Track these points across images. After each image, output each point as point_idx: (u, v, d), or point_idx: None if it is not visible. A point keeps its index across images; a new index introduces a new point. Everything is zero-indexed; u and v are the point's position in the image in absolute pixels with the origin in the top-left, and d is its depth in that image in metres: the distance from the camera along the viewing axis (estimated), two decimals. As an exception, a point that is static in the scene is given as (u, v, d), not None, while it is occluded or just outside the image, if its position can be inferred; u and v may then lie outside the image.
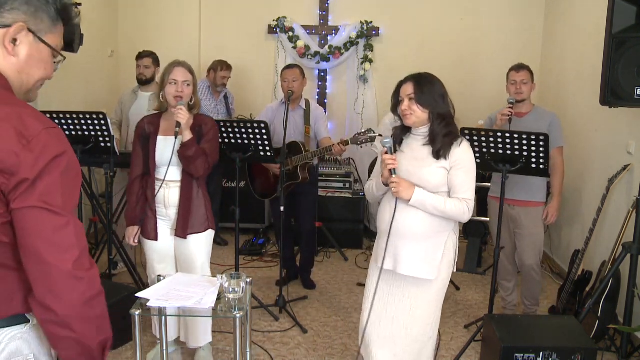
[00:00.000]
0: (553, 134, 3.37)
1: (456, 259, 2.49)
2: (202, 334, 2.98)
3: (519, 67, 3.51)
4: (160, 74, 4.40)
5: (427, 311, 2.44)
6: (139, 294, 2.29)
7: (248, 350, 2.55)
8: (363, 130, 3.64)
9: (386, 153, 2.33)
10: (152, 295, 2.25)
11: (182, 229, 2.83)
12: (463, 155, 2.36)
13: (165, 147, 2.81)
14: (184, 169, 2.81)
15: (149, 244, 2.92)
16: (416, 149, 2.41)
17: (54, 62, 1.29)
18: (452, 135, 2.37)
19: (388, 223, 2.36)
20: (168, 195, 2.84)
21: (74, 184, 1.21)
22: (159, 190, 2.82)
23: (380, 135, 3.49)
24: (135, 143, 2.92)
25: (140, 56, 4.36)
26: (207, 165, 2.80)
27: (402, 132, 2.49)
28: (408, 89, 2.36)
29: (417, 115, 2.36)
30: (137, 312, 2.18)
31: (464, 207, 2.33)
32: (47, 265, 1.15)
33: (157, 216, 2.88)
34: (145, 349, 3.09)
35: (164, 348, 2.62)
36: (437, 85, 2.38)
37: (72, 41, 4.19)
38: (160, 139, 2.84)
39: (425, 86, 2.36)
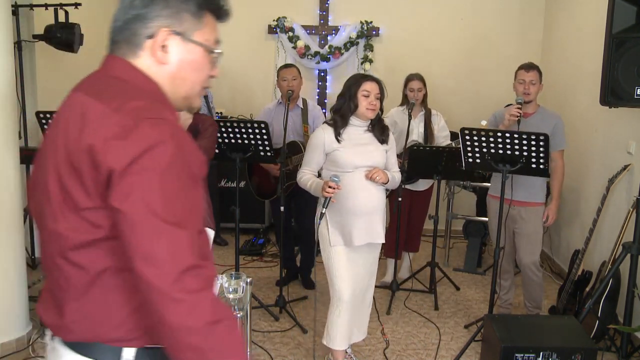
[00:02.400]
0: (556, 136, 3.36)
1: None
2: None
3: (529, 67, 3.40)
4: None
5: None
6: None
7: (248, 350, 2.55)
8: None
9: (329, 187, 2.63)
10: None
11: None
12: (393, 139, 2.98)
13: None
14: None
15: None
16: (358, 136, 2.82)
17: (213, 58, 1.20)
18: (386, 126, 2.94)
19: (366, 202, 2.78)
20: None
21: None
22: None
23: None
24: None
25: None
26: None
27: (343, 124, 2.81)
28: (376, 89, 2.78)
29: (377, 110, 2.82)
30: (137, 312, 2.18)
31: (399, 177, 2.97)
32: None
33: None
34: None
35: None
36: None
37: (72, 41, 4.20)
38: None
39: (383, 87, 2.86)
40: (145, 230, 0.99)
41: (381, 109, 2.86)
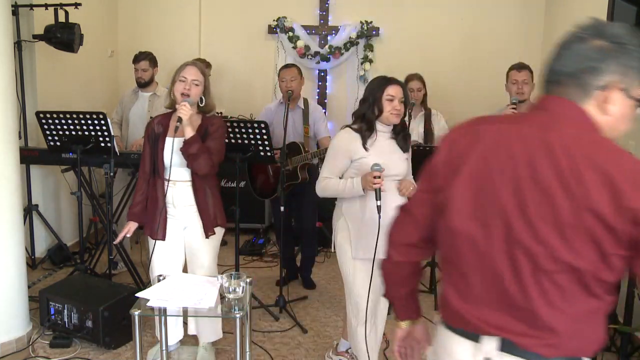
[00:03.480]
0: None
1: None
2: (214, 330, 2.99)
3: (520, 67, 3.46)
4: (158, 73, 4.44)
5: None
6: (139, 294, 2.30)
7: (248, 350, 2.55)
8: None
9: (374, 177, 2.48)
10: (152, 295, 2.25)
11: (207, 229, 2.87)
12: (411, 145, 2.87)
13: (174, 148, 2.81)
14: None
15: (157, 245, 2.89)
16: (383, 143, 2.68)
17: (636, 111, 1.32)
18: (408, 132, 2.81)
19: (392, 214, 2.59)
20: (176, 194, 2.84)
21: None
22: (167, 191, 2.82)
23: None
24: (145, 143, 2.93)
25: (137, 59, 4.35)
26: (211, 162, 2.79)
27: (369, 131, 2.65)
28: (400, 92, 2.64)
29: (401, 115, 2.68)
30: (137, 312, 2.18)
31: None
32: None
33: (168, 216, 2.88)
34: (145, 349, 3.09)
35: (164, 348, 2.62)
36: None
37: (72, 41, 4.21)
38: (169, 139, 2.83)
39: (407, 90, 2.74)
40: None
41: (405, 113, 2.74)
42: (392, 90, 2.62)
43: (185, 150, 2.73)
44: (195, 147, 2.73)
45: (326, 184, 2.67)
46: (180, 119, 2.72)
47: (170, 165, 2.79)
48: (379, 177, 2.47)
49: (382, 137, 2.69)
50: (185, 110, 2.71)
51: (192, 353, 3.12)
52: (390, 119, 2.64)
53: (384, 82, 2.65)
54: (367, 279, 2.60)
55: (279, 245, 4.18)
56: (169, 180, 2.81)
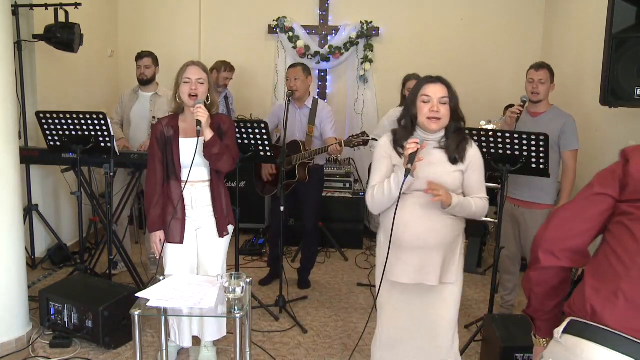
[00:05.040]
0: (566, 135, 3.33)
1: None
2: (219, 328, 2.96)
3: (539, 66, 3.40)
4: (159, 73, 4.44)
5: (454, 316, 2.49)
6: (139, 294, 2.30)
7: (248, 350, 2.55)
8: (357, 133, 3.67)
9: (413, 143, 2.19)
10: (152, 296, 2.25)
11: (221, 229, 2.88)
12: (476, 155, 2.35)
13: (189, 149, 2.77)
14: (211, 168, 2.83)
15: (171, 248, 2.85)
16: (428, 152, 2.29)
17: None
18: (465, 139, 2.35)
19: (418, 234, 2.29)
20: (194, 195, 2.83)
21: None
22: (183, 191, 2.79)
23: (375, 139, 3.44)
24: (154, 146, 2.85)
25: (140, 56, 4.36)
26: (233, 160, 2.84)
27: (405, 135, 2.31)
28: (440, 91, 2.26)
29: (445, 120, 2.28)
30: (137, 312, 2.18)
31: (485, 204, 2.36)
32: None
33: (186, 218, 2.85)
34: (145, 349, 3.09)
35: (164, 348, 2.62)
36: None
37: (72, 41, 4.21)
38: (182, 141, 2.81)
39: (453, 89, 2.32)
40: None
41: (461, 119, 2.36)
42: (429, 90, 2.25)
43: (208, 152, 2.73)
44: (218, 147, 2.74)
45: (373, 190, 2.33)
46: (199, 122, 2.68)
47: (191, 166, 2.72)
48: (416, 143, 2.16)
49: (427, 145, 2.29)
50: (202, 112, 2.69)
51: (193, 353, 3.12)
52: (426, 124, 2.25)
53: (422, 81, 2.30)
54: (390, 303, 2.44)
55: (270, 243, 4.18)
56: (186, 182, 2.78)
